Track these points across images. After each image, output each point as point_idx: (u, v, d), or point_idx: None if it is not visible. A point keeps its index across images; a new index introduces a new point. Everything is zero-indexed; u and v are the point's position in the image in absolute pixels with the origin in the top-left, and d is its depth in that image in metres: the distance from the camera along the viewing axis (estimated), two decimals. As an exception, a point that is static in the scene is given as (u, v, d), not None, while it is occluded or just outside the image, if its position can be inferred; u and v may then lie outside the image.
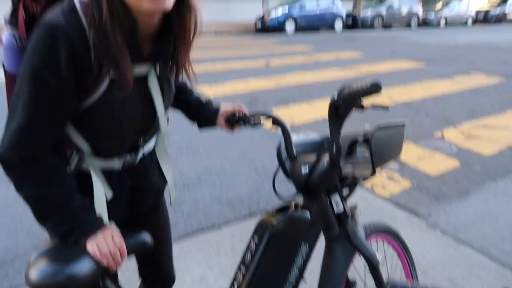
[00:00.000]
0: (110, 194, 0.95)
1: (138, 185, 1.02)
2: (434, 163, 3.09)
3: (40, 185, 0.82)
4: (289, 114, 4.28)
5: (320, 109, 4.41)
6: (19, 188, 0.82)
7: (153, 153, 1.06)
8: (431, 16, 20.67)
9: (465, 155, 3.24)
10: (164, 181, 1.11)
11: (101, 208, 0.91)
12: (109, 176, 0.95)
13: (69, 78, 0.75)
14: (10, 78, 0.85)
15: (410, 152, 3.27)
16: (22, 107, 0.75)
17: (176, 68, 0.93)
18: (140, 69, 0.86)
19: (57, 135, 0.83)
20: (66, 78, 0.75)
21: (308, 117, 4.18)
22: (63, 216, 0.83)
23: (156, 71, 0.89)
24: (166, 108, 0.98)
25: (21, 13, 0.83)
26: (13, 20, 0.85)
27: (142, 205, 1.07)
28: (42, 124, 0.78)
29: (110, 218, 0.93)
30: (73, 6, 0.76)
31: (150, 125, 0.97)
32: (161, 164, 1.10)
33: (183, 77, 1.09)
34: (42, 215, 0.84)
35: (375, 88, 0.87)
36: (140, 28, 0.81)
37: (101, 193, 0.93)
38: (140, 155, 0.99)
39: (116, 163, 0.95)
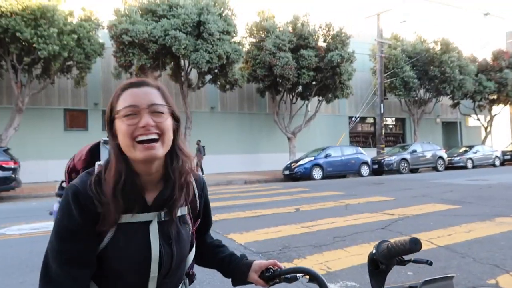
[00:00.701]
0: None
1: None
2: (496, 317, 2.71)
3: None
4: (324, 261, 4.06)
5: (356, 256, 4.19)
6: None
7: None
8: (456, 158, 21.08)
9: (530, 306, 2.85)
10: None
11: None
12: None
13: (82, 225, 0.91)
14: None
15: (464, 303, 2.92)
16: (50, 252, 0.91)
17: (180, 214, 1.03)
18: (144, 216, 0.96)
19: (83, 278, 0.92)
20: (80, 225, 0.90)
21: (344, 264, 3.94)
22: None
23: (160, 217, 0.99)
24: (179, 255, 1.01)
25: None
26: (60, 193, 1.10)
27: None
28: (67, 266, 0.89)
29: None
30: (92, 170, 0.98)
31: (160, 274, 0.98)
32: None
33: (208, 230, 1.22)
34: None
35: (414, 247, 0.85)
36: (141, 180, 0.96)
37: None
38: None
39: None
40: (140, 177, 0.96)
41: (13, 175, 10.85)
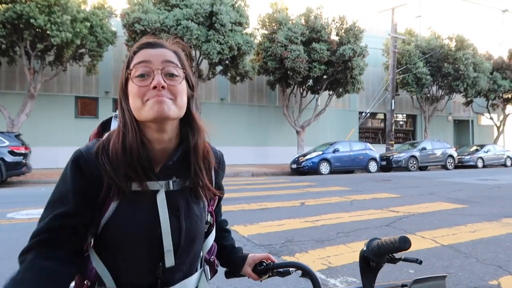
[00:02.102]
0: None
1: None
2: (495, 318, 2.69)
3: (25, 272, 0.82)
4: (326, 256, 4.07)
5: (358, 252, 4.18)
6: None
7: None
8: (467, 157, 20.83)
9: (531, 309, 2.82)
10: None
11: None
12: None
13: (77, 191, 0.86)
14: None
15: (464, 303, 2.91)
16: (47, 202, 0.89)
17: (193, 185, 0.97)
18: (151, 185, 0.91)
19: (69, 235, 0.86)
20: (74, 191, 0.86)
21: (346, 260, 3.94)
22: None
23: (168, 187, 0.92)
24: (188, 230, 0.94)
25: None
26: None
27: None
28: (55, 218, 0.85)
29: None
30: (100, 139, 0.95)
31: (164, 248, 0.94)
32: None
33: (220, 214, 1.16)
34: None
35: (403, 245, 0.85)
36: (153, 149, 0.91)
37: None
38: None
39: None
40: (152, 145, 0.91)
41: (23, 160, 11.02)
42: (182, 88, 0.90)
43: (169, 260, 0.91)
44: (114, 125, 1.02)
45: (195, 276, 1.00)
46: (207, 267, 1.08)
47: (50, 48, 14.24)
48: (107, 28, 14.89)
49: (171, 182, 0.92)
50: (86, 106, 18.67)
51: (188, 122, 0.95)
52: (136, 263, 0.90)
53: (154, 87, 0.86)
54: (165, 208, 0.90)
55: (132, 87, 0.88)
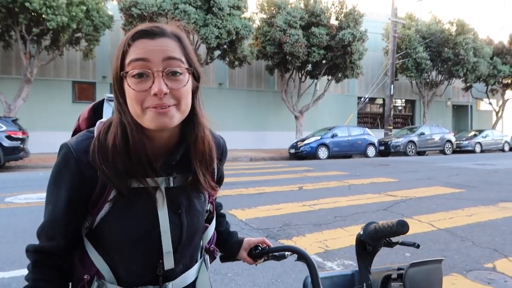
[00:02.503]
0: None
1: None
2: (490, 300, 2.72)
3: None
4: (323, 240, 4.09)
5: (355, 235, 4.21)
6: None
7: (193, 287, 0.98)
8: (465, 142, 20.87)
9: (525, 291, 2.85)
10: None
11: None
12: None
13: (72, 188, 0.83)
14: None
15: (460, 286, 2.94)
16: (44, 206, 0.88)
17: (194, 181, 0.91)
18: (150, 182, 0.85)
19: (68, 236, 0.86)
20: (69, 188, 0.83)
21: (343, 243, 3.97)
22: None
23: (168, 183, 0.87)
24: (190, 226, 0.91)
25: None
26: None
27: None
28: (54, 222, 0.85)
29: None
30: (92, 130, 0.88)
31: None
32: None
33: (215, 198, 1.11)
34: None
35: (401, 229, 0.84)
36: (151, 145, 0.85)
37: None
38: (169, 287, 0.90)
39: None
40: (152, 142, 0.84)
41: (21, 145, 10.99)
42: (187, 90, 0.81)
43: (169, 262, 0.88)
44: (107, 109, 0.96)
45: (195, 267, 0.98)
46: (207, 257, 1.07)
47: (46, 32, 14.03)
48: (104, 12, 14.66)
49: (171, 179, 0.87)
50: (83, 91, 18.56)
51: (191, 118, 0.86)
52: (134, 262, 0.87)
53: (155, 94, 0.77)
54: (165, 207, 0.86)
55: (129, 90, 0.78)
